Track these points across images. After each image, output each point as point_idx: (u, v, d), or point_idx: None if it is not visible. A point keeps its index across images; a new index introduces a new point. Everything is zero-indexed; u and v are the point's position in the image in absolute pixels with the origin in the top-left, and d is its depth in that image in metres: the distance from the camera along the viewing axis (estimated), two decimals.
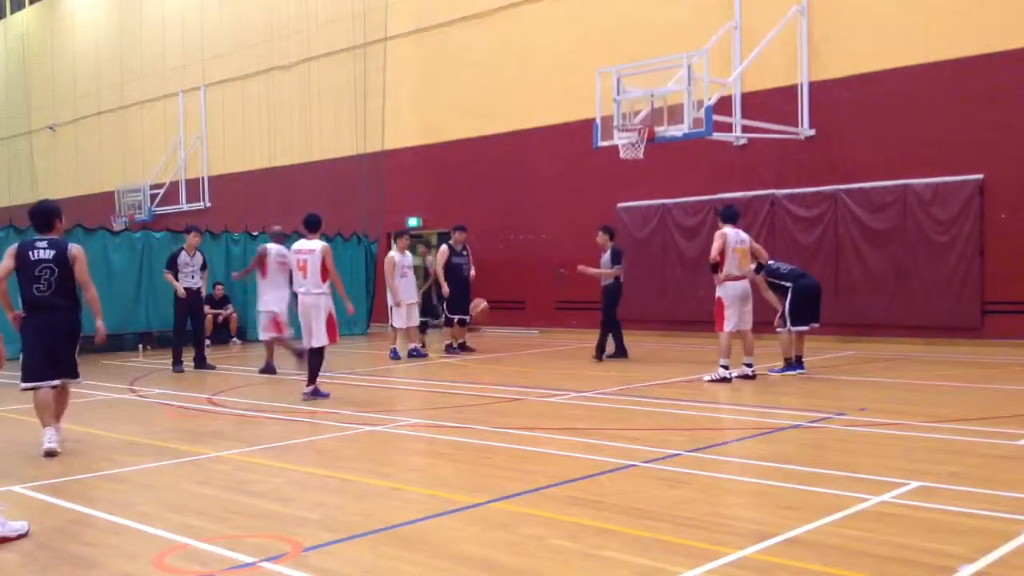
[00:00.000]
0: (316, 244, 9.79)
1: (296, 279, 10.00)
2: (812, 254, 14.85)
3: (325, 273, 9.66)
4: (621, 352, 13.30)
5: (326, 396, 9.78)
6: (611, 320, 13.27)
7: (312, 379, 9.78)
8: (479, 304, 14.59)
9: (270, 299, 12.39)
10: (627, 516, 4.94)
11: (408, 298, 14.13)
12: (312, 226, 9.98)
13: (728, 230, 10.66)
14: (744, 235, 10.88)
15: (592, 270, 13.32)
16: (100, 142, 31.14)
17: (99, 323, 7.48)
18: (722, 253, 10.51)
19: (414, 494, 5.70)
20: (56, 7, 33.35)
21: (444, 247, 14.99)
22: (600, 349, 13.28)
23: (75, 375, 7.42)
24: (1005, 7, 13.47)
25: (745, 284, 10.66)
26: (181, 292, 13.10)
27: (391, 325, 14.31)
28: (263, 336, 12.64)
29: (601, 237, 13.34)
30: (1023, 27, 13.34)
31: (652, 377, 11.19)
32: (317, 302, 9.65)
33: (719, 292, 10.61)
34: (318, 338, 9.64)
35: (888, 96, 14.50)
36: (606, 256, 13.25)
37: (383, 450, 7.35)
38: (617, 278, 13.24)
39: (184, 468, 6.54)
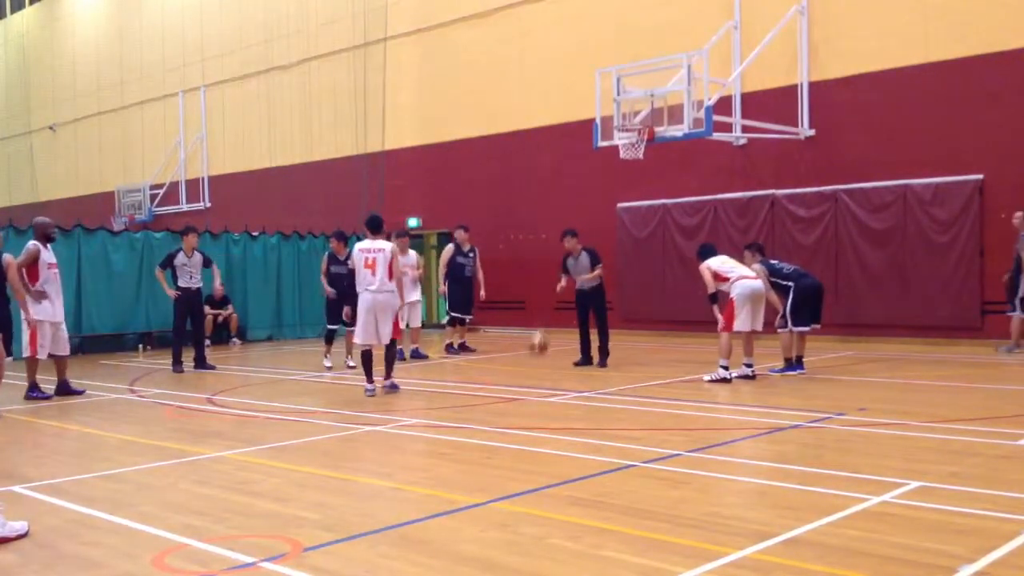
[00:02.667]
0: (385, 244, 10.17)
1: (364, 277, 10.04)
2: (812, 254, 14.84)
3: (392, 272, 9.98)
4: (589, 359, 12.54)
5: (398, 389, 10.27)
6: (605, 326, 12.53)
7: (389, 373, 10.17)
8: (535, 336, 13.67)
9: (59, 309, 10.48)
10: (627, 516, 4.94)
11: (409, 297, 14.08)
12: (376, 226, 10.30)
13: (709, 261, 10.85)
14: (725, 256, 11.09)
15: (587, 277, 12.24)
16: (100, 142, 31.14)
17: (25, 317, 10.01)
18: (717, 277, 10.70)
19: (414, 494, 5.70)
20: (56, 7, 33.35)
21: (449, 246, 14.96)
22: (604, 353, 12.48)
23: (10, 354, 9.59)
24: (1005, 7, 13.47)
25: (758, 283, 10.61)
26: (170, 293, 13.11)
27: None
28: (45, 354, 10.40)
29: (570, 241, 12.28)
30: (1023, 27, 13.34)
31: (652, 377, 11.19)
32: (388, 300, 9.98)
33: (732, 292, 10.56)
34: (386, 335, 10.01)
35: (888, 96, 14.50)
36: (584, 259, 12.26)
37: (383, 450, 7.35)
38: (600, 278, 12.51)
39: (184, 468, 6.54)
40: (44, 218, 10.97)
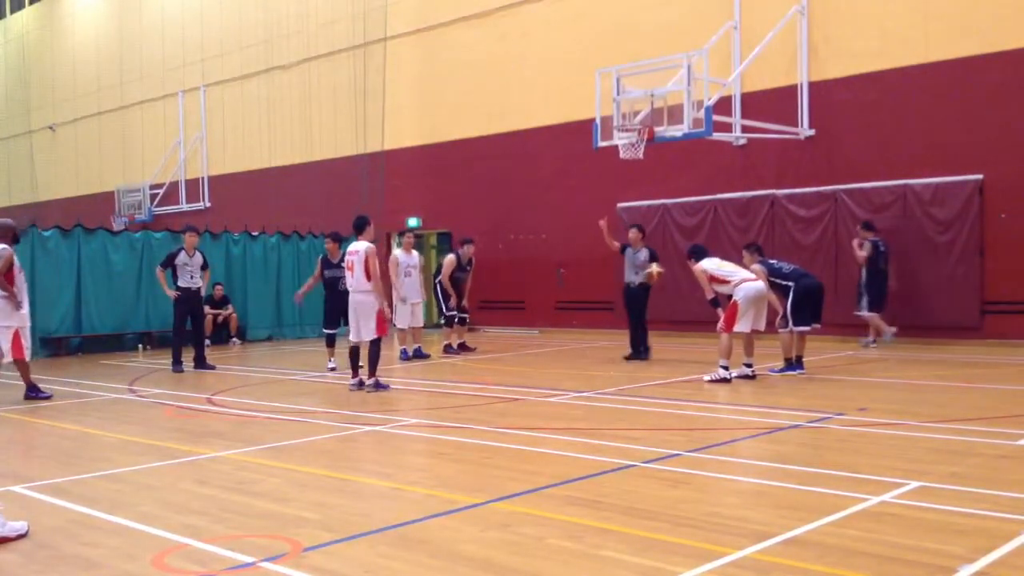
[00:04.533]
0: (361, 245, 10.31)
1: (346, 278, 10.54)
2: (812, 254, 14.84)
3: (369, 273, 10.15)
4: (639, 353, 13.23)
5: (387, 388, 10.41)
6: (643, 320, 13.33)
7: (373, 371, 10.33)
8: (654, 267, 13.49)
9: (26, 312, 10.19)
10: (627, 516, 4.94)
11: (412, 298, 14.05)
12: (359, 228, 10.47)
13: (703, 263, 10.85)
14: (717, 258, 11.14)
15: (646, 267, 12.87)
16: (100, 142, 31.14)
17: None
18: (714, 280, 10.70)
19: (414, 494, 5.70)
20: (56, 7, 33.34)
21: (452, 257, 14.93)
22: (644, 347, 13.22)
23: None
24: (1005, 7, 13.47)
25: (761, 285, 10.58)
26: (170, 293, 13.11)
27: (394, 324, 14.25)
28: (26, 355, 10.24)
29: (634, 233, 13.17)
30: (1023, 27, 13.34)
31: (652, 377, 11.19)
32: (366, 300, 10.21)
33: (736, 295, 10.53)
34: (368, 332, 10.22)
35: (888, 96, 14.50)
36: (643, 253, 12.99)
37: (383, 450, 7.35)
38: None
39: (184, 468, 6.54)
40: (7, 220, 10.31)
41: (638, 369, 12.13)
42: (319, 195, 23.00)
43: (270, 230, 19.74)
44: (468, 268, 15.02)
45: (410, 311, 14.04)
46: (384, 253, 19.17)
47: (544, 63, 18.72)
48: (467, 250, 14.99)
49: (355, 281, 10.25)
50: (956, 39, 13.84)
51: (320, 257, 13.12)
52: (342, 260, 12.75)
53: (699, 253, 11.12)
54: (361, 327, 10.26)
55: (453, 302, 14.66)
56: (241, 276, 18.87)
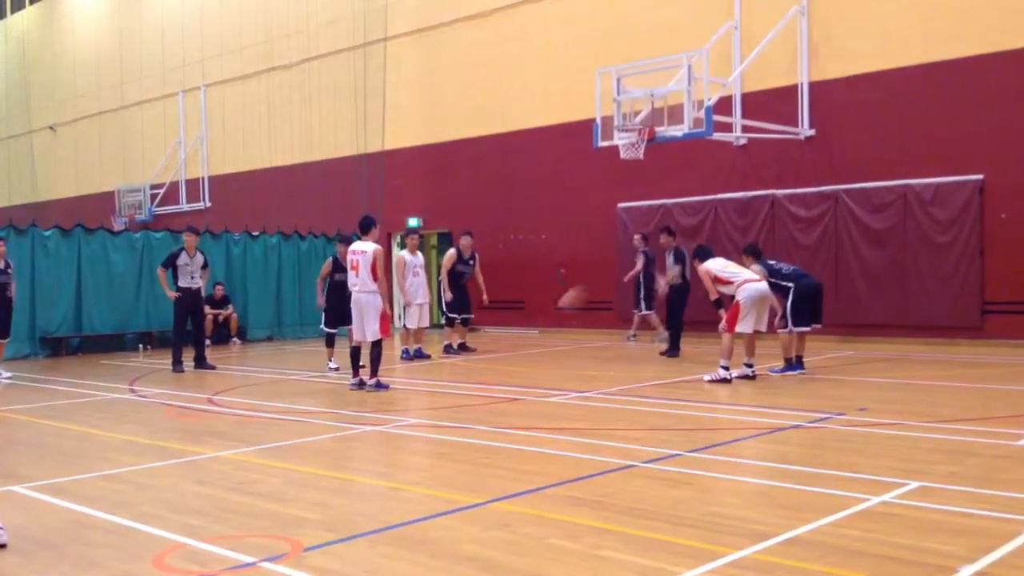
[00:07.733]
0: (369, 246, 10.33)
1: (349, 277, 10.49)
2: (812, 254, 14.85)
3: (375, 273, 10.18)
4: (675, 351, 13.52)
5: (387, 388, 10.43)
6: (678, 320, 13.63)
7: (374, 371, 10.37)
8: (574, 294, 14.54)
9: None
10: (627, 516, 4.94)
11: (419, 298, 14.02)
12: (364, 228, 10.51)
13: (708, 264, 10.89)
14: (722, 259, 11.21)
15: (663, 281, 13.80)
16: (100, 142, 31.14)
17: None
18: (718, 280, 10.72)
19: (414, 494, 5.70)
20: (56, 7, 33.35)
21: (452, 252, 14.92)
22: (675, 346, 13.55)
23: None
24: (1005, 7, 13.48)
25: (764, 286, 10.58)
26: (170, 294, 13.10)
27: (404, 325, 14.27)
28: None
29: (665, 239, 13.71)
30: (1023, 27, 13.34)
31: (652, 377, 11.19)
32: (371, 300, 10.22)
33: (738, 295, 10.54)
34: (372, 333, 10.24)
35: (888, 96, 14.50)
36: (669, 257, 13.52)
37: (383, 450, 7.35)
38: (684, 277, 13.49)
39: (184, 468, 6.54)
40: None
41: (638, 369, 12.13)
42: (319, 195, 23.01)
43: (270, 230, 19.74)
44: (471, 263, 14.95)
45: (417, 312, 14.02)
46: (385, 254, 19.16)
47: (544, 63, 18.72)
48: (465, 242, 14.94)
49: (360, 281, 10.22)
50: (956, 39, 13.84)
51: (330, 258, 12.96)
52: None
53: (702, 254, 11.14)
54: (365, 328, 10.24)
55: (448, 296, 14.59)
56: (241, 276, 18.88)
